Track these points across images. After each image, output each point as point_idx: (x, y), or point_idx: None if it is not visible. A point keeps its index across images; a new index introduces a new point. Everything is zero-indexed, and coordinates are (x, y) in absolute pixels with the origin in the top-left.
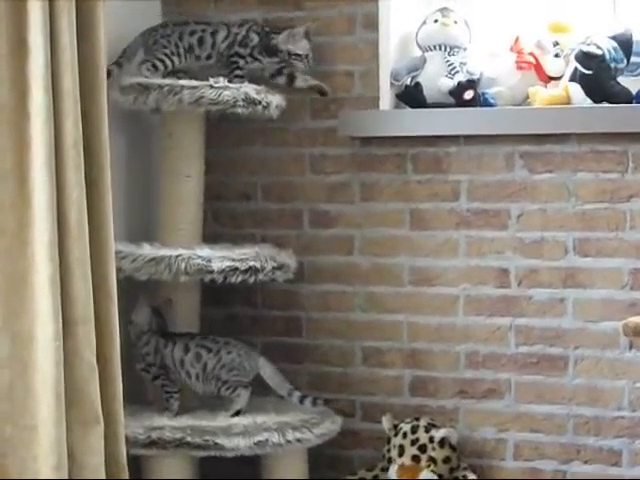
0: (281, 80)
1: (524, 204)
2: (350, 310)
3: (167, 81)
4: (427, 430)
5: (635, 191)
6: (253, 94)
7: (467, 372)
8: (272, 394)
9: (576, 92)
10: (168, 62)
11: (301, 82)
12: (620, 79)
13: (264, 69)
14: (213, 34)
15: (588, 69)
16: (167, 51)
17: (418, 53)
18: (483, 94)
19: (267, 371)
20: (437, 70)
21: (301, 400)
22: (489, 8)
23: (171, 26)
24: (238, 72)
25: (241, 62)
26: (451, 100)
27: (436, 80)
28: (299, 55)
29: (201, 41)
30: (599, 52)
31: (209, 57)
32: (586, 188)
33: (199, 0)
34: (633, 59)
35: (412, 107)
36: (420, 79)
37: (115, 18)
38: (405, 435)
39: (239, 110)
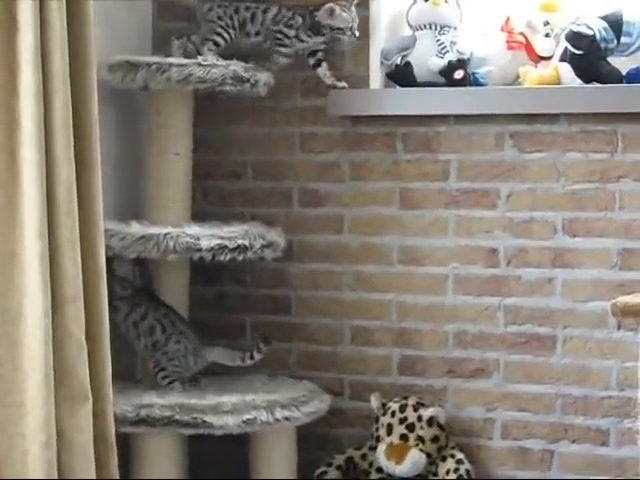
0: (311, 61)
1: (513, 184)
2: (339, 289)
3: (155, 59)
4: (415, 409)
5: (624, 171)
6: (241, 72)
7: (455, 351)
8: (234, 372)
9: (566, 72)
10: (226, 36)
11: (321, 72)
12: (610, 59)
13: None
14: (264, 12)
15: (578, 49)
16: (223, 23)
17: (409, 32)
18: (473, 74)
19: (215, 354)
20: (427, 49)
21: (251, 356)
22: None
23: (228, 1)
24: (283, 49)
25: (286, 41)
26: (441, 79)
27: (426, 59)
28: (341, 29)
29: (253, 17)
30: (589, 32)
31: (257, 34)
32: (575, 168)
33: None
34: (623, 39)
35: (402, 86)
36: (410, 58)
37: (104, 5)
38: (393, 414)
39: (227, 88)
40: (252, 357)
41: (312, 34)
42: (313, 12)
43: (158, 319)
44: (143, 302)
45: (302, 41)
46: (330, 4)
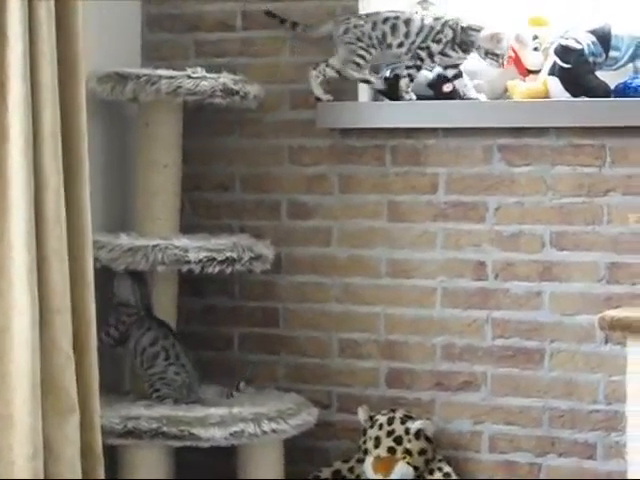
0: (449, 72)
1: (502, 197)
2: (327, 301)
3: (144, 71)
4: (403, 422)
5: (612, 185)
6: (231, 84)
7: (443, 364)
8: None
9: (555, 86)
10: (368, 56)
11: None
12: (598, 73)
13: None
14: (407, 23)
15: (567, 63)
16: (362, 44)
17: None
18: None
19: (209, 392)
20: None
21: (231, 394)
22: (469, 1)
23: (364, 17)
24: (412, 72)
25: (426, 60)
26: (430, 92)
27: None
28: (497, 55)
29: (394, 28)
30: (578, 46)
31: (400, 45)
32: (563, 182)
33: None
34: (611, 53)
35: (391, 99)
36: (399, 71)
37: (93, 13)
38: (381, 427)
39: (217, 100)
40: (232, 395)
41: (459, 50)
42: (467, 30)
43: (165, 348)
44: (153, 327)
45: (446, 56)
46: (496, 31)
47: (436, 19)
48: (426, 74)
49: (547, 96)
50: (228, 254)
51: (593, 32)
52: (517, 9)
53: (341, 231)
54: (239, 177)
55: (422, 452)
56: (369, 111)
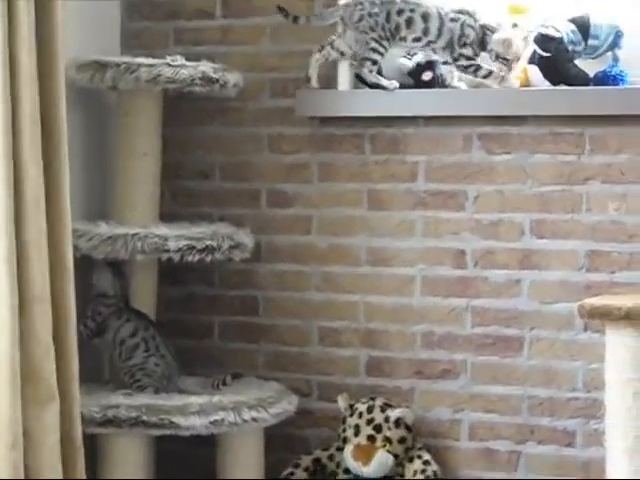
0: (470, 70)
1: (481, 185)
2: (307, 290)
3: (124, 59)
4: (383, 410)
5: (591, 173)
6: (210, 73)
7: (423, 352)
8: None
9: (534, 74)
10: (382, 50)
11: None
12: (578, 62)
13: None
14: (425, 17)
15: (546, 51)
16: (376, 35)
17: None
18: (441, 75)
19: (188, 383)
20: (396, 51)
21: (217, 386)
22: None
23: (378, 4)
24: (481, 72)
25: (475, 60)
26: (410, 81)
27: (395, 61)
28: (507, 60)
29: (410, 22)
30: (557, 35)
31: (417, 40)
32: (543, 170)
33: None
34: (591, 42)
35: (371, 87)
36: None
37: (73, 1)
38: (361, 415)
39: (197, 89)
40: (218, 387)
41: (479, 50)
42: (485, 29)
43: (145, 339)
44: (132, 318)
45: (469, 58)
46: (509, 35)
47: (453, 20)
48: (406, 62)
49: (526, 84)
50: (208, 242)
51: (572, 21)
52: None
53: (321, 220)
54: (219, 165)
55: (402, 440)
56: (349, 99)
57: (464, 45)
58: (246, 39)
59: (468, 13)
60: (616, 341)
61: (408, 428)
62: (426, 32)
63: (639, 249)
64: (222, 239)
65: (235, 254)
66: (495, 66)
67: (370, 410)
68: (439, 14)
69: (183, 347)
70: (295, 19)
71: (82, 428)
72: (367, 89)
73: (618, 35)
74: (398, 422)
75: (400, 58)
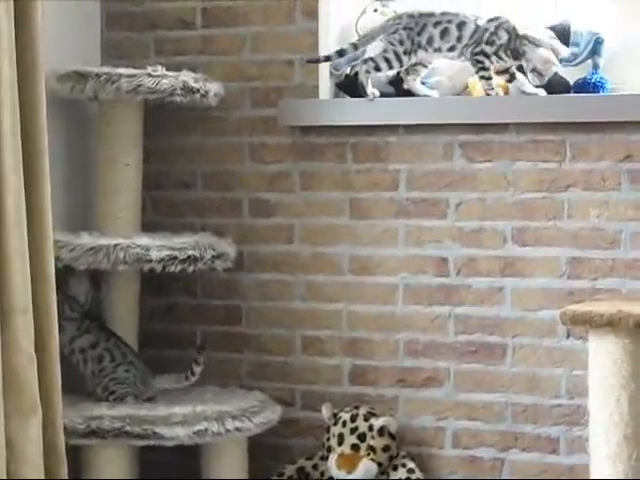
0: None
1: (463, 193)
2: (290, 299)
3: (104, 69)
4: (366, 419)
5: (572, 181)
6: (191, 82)
7: (406, 361)
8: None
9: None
10: (395, 64)
11: (517, 85)
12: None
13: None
14: (460, 26)
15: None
16: (399, 49)
17: None
18: (423, 84)
19: (163, 381)
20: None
21: (192, 372)
22: None
23: (416, 16)
24: (484, 73)
25: (486, 62)
26: (391, 89)
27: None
28: (542, 75)
29: (445, 32)
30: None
31: (452, 49)
32: (524, 178)
33: None
34: (571, 49)
35: (352, 96)
36: (359, 68)
37: (53, 11)
38: (344, 424)
39: (178, 98)
40: (193, 372)
41: (511, 56)
42: (522, 38)
43: (108, 349)
44: (92, 330)
45: (500, 59)
46: (550, 54)
47: (490, 20)
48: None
49: (507, 92)
50: (190, 252)
51: (552, 28)
52: (477, 5)
53: (303, 229)
54: (200, 175)
55: (386, 449)
56: (330, 108)
57: (491, 43)
58: (227, 49)
59: (507, 20)
60: (599, 347)
61: (392, 436)
62: (460, 39)
63: (620, 255)
64: (204, 249)
65: (218, 264)
66: (529, 76)
67: (354, 419)
68: (475, 21)
69: (166, 356)
70: (341, 52)
71: (65, 439)
72: (348, 98)
73: (598, 42)
74: (382, 430)
75: None
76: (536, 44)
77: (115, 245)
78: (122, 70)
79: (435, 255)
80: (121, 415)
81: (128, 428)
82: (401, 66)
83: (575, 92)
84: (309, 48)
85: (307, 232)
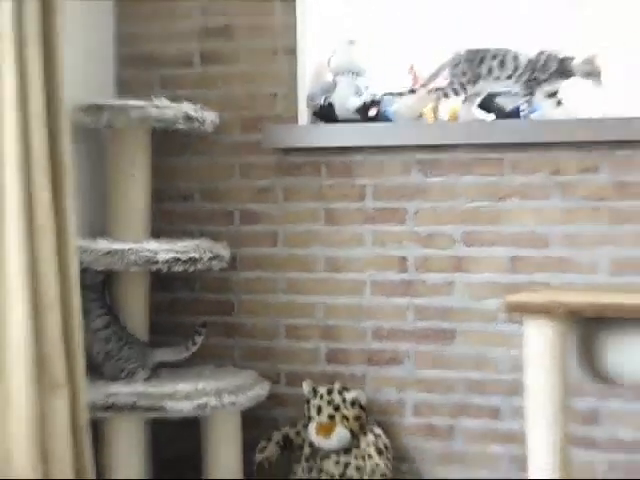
0: (550, 100)
1: (419, 203)
2: (274, 293)
3: (118, 102)
4: (340, 393)
5: (511, 192)
6: (191, 112)
7: (373, 344)
8: (191, 363)
9: (467, 110)
10: (460, 91)
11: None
12: (498, 99)
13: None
14: (515, 58)
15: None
16: (464, 79)
17: (330, 78)
18: (385, 111)
19: (161, 353)
20: (346, 92)
21: (193, 342)
22: (389, 36)
23: (474, 51)
24: (530, 97)
25: (536, 88)
26: (358, 116)
27: (345, 100)
28: (598, 73)
29: (502, 63)
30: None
31: (509, 77)
32: (471, 189)
33: (149, 38)
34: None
35: (326, 122)
36: (332, 99)
37: (74, 54)
38: (322, 397)
39: (179, 126)
40: (194, 342)
41: (559, 78)
42: (565, 60)
43: (116, 331)
44: (108, 312)
45: (550, 84)
46: (589, 56)
47: (540, 53)
48: (354, 101)
49: (456, 118)
50: (191, 255)
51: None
52: (433, 42)
53: (285, 234)
54: (198, 190)
55: (357, 418)
56: (308, 133)
57: (544, 72)
58: (220, 84)
59: (554, 53)
60: (533, 330)
61: (362, 407)
62: (516, 69)
63: (552, 254)
64: (203, 252)
65: (214, 264)
66: (583, 83)
67: (330, 393)
68: (526, 54)
69: (171, 343)
70: (413, 90)
71: (87, 413)
72: (323, 124)
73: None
74: (354, 402)
75: (350, 97)
76: (572, 59)
77: (128, 249)
78: (132, 102)
79: (397, 255)
80: (134, 392)
81: (141, 402)
82: (465, 94)
83: (513, 117)
84: (289, 83)
85: (288, 237)
